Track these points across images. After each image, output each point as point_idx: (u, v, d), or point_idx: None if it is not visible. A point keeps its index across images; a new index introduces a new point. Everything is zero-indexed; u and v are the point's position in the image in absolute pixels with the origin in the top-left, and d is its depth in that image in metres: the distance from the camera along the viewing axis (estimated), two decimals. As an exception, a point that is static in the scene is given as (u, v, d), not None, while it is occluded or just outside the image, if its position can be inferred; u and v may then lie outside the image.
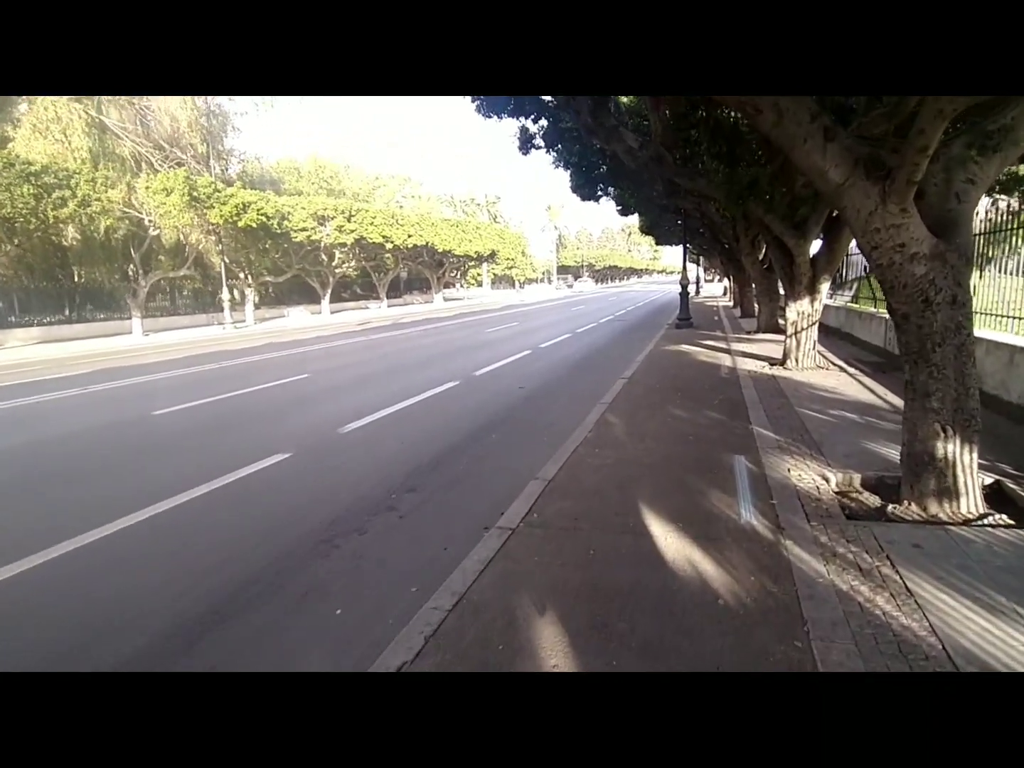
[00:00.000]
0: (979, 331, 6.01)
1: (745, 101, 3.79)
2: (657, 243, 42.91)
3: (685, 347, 12.22)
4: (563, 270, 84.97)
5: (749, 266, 14.84)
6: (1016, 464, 4.34)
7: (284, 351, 15.48)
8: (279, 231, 25.54)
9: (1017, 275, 6.53)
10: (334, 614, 3.02)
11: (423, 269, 43.53)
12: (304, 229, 27.03)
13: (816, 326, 8.73)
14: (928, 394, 3.68)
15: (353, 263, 33.95)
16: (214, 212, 21.55)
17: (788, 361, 8.90)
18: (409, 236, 33.91)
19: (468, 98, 9.25)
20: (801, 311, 8.66)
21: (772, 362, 9.38)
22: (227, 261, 26.32)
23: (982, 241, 6.82)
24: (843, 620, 2.53)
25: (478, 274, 65.90)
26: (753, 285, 18.00)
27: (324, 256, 31.29)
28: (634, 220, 31.70)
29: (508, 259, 59.76)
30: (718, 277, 54.55)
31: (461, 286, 59.82)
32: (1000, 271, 6.69)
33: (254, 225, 23.38)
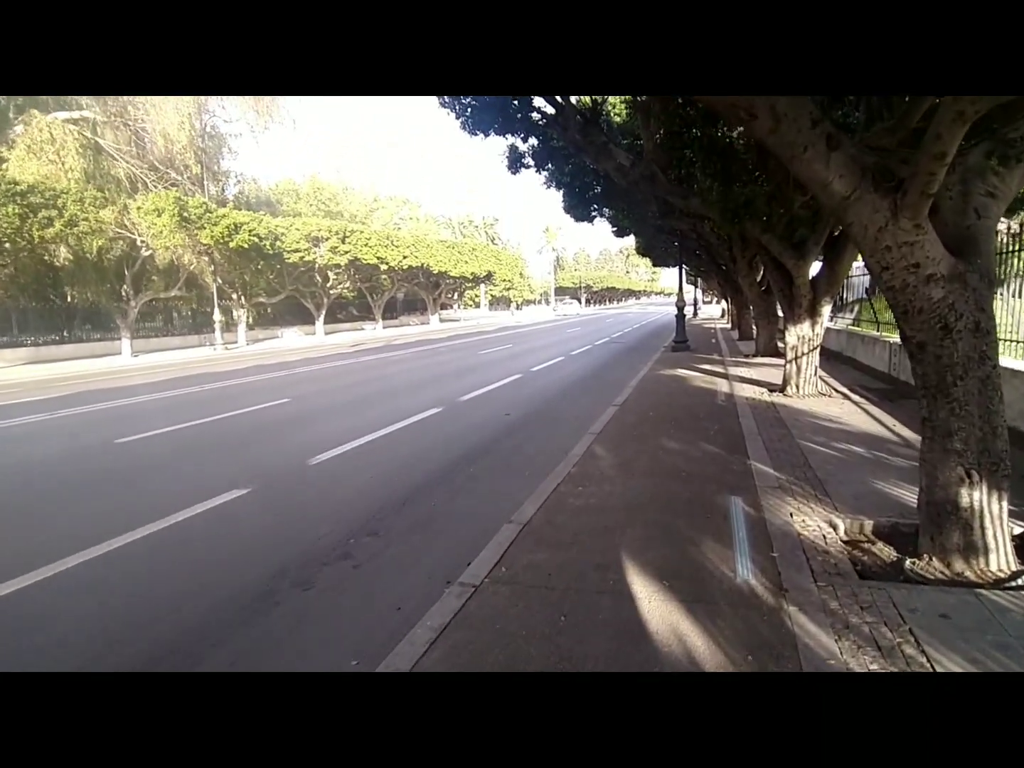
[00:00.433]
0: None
1: (738, 104, 3.40)
2: (654, 265, 42.84)
3: (681, 371, 11.80)
4: (561, 291, 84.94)
5: (747, 288, 14.51)
6: (1045, 509, 3.89)
7: (269, 374, 15.05)
8: (272, 252, 25.27)
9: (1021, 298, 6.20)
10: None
11: (419, 290, 43.33)
12: (297, 250, 26.78)
13: (817, 351, 8.32)
14: (949, 433, 3.24)
15: (348, 284, 33.69)
16: (205, 233, 21.27)
17: (788, 387, 8.47)
18: (404, 257, 33.73)
19: (453, 115, 8.91)
20: (801, 335, 8.26)
21: (771, 388, 8.95)
22: (220, 282, 26.02)
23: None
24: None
25: (475, 295, 65.86)
26: (751, 307, 17.67)
27: (319, 277, 31.03)
28: (632, 242, 31.56)
29: (505, 280, 59.71)
30: (716, 299, 54.41)
31: (458, 307, 59.59)
32: (1013, 295, 6.31)
33: (246, 246, 23.09)
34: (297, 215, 37.11)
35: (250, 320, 33.30)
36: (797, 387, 8.36)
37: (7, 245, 16.65)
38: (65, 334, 24.43)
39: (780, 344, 14.26)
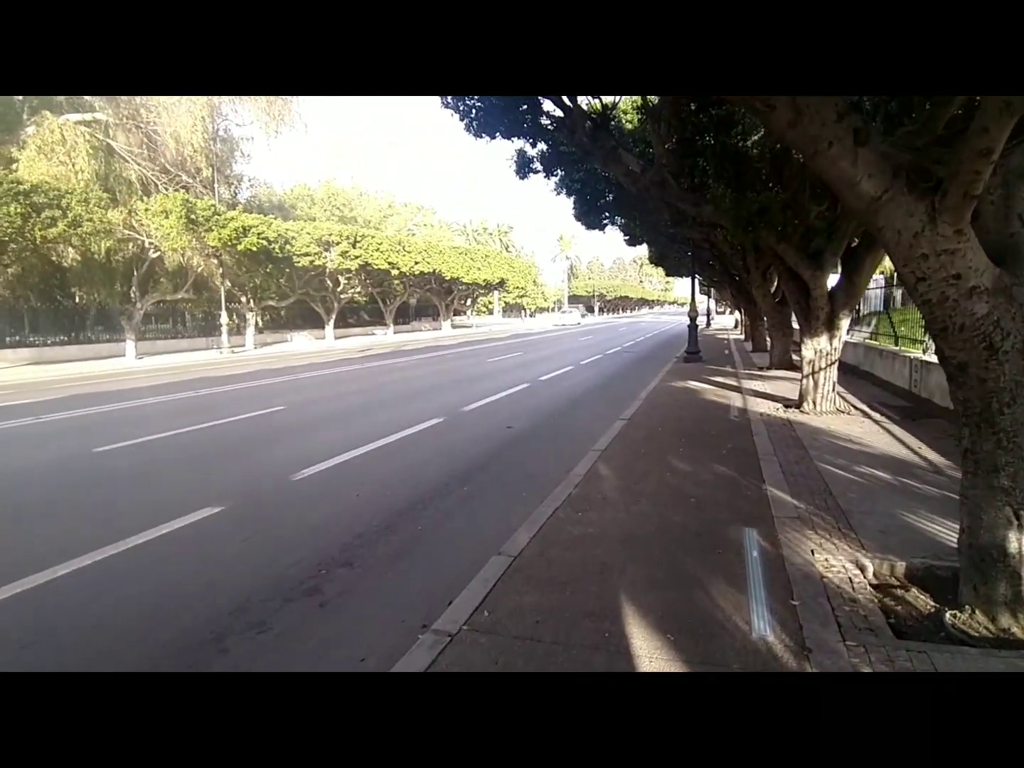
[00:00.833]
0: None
1: (754, 96, 3.04)
2: (667, 274, 42.40)
3: (692, 383, 11.38)
4: (574, 299, 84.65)
5: (760, 299, 14.06)
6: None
7: (271, 379, 14.80)
8: (281, 255, 25.15)
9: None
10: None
11: (431, 296, 43.16)
12: (307, 254, 26.66)
13: (836, 366, 7.88)
14: (995, 468, 2.84)
15: (359, 289, 33.57)
16: (212, 235, 21.15)
17: (804, 403, 8.04)
18: (416, 263, 33.54)
19: (457, 117, 8.61)
20: (819, 349, 7.83)
21: (787, 404, 8.52)
22: (228, 285, 25.95)
23: None
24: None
25: (489, 302, 65.67)
26: (765, 319, 17.21)
27: (329, 281, 30.92)
28: (645, 251, 31.17)
29: (518, 288, 59.51)
30: (729, 309, 53.76)
31: (471, 314, 59.37)
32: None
33: (254, 249, 22.97)
34: (311, 220, 37.15)
35: (260, 324, 33.29)
36: (814, 403, 7.93)
37: (13, 245, 16.64)
38: (71, 335, 24.43)
39: (795, 357, 13.82)
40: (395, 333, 38.93)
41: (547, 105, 8.73)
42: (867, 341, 12.39)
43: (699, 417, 7.93)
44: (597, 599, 3.09)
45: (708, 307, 45.26)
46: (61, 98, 25.58)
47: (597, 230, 15.57)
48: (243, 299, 28.19)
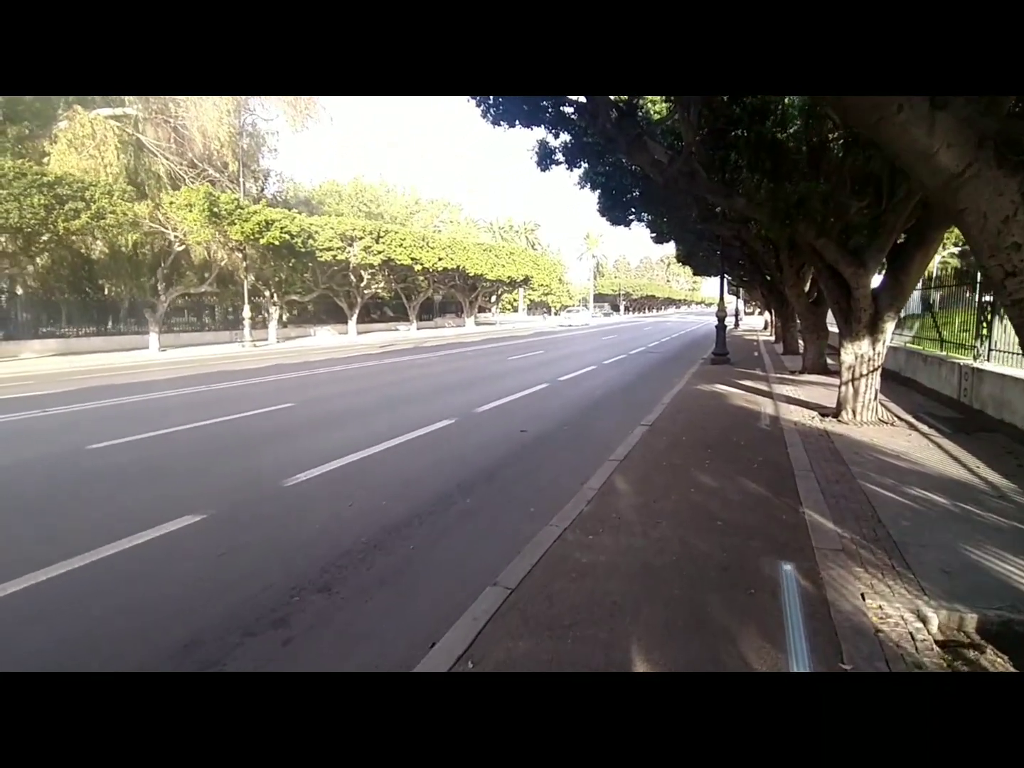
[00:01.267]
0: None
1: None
2: (695, 273, 41.42)
3: (720, 387, 10.77)
4: (600, 298, 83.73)
5: (794, 299, 13.36)
6: None
7: (287, 374, 14.54)
8: (304, 250, 25.00)
9: None
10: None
11: (455, 293, 42.87)
12: (330, 248, 26.49)
13: (878, 372, 7.23)
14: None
15: (382, 284, 33.38)
16: (235, 229, 21.04)
17: (843, 412, 7.40)
18: (440, 259, 33.23)
19: (473, 103, 8.16)
20: (860, 353, 7.19)
21: (823, 412, 7.88)
22: (251, 279, 25.92)
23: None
24: None
25: (514, 300, 65.18)
26: (798, 320, 16.44)
27: (352, 277, 30.78)
28: (672, 250, 30.32)
29: (543, 285, 58.94)
30: (758, 310, 52.44)
31: (496, 311, 58.88)
32: None
33: (277, 243, 22.84)
34: (339, 215, 37.07)
35: (284, 318, 33.35)
36: (853, 412, 7.30)
37: (43, 237, 16.68)
38: (99, 327, 24.63)
39: (830, 361, 13.09)
40: (418, 329, 38.70)
41: (570, 91, 8.23)
42: (908, 346, 11.61)
43: (727, 425, 7.35)
44: (604, 651, 2.59)
45: (736, 307, 44.16)
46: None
47: (622, 226, 14.97)
48: (267, 293, 28.19)
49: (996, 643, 2.68)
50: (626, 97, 8.16)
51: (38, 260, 22.47)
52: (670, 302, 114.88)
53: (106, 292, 25.35)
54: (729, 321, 23.17)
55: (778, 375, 12.46)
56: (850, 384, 7.29)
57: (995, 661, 2.57)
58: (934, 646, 2.61)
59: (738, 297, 44.02)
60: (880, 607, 2.92)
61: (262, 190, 35.71)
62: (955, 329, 9.67)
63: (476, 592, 3.21)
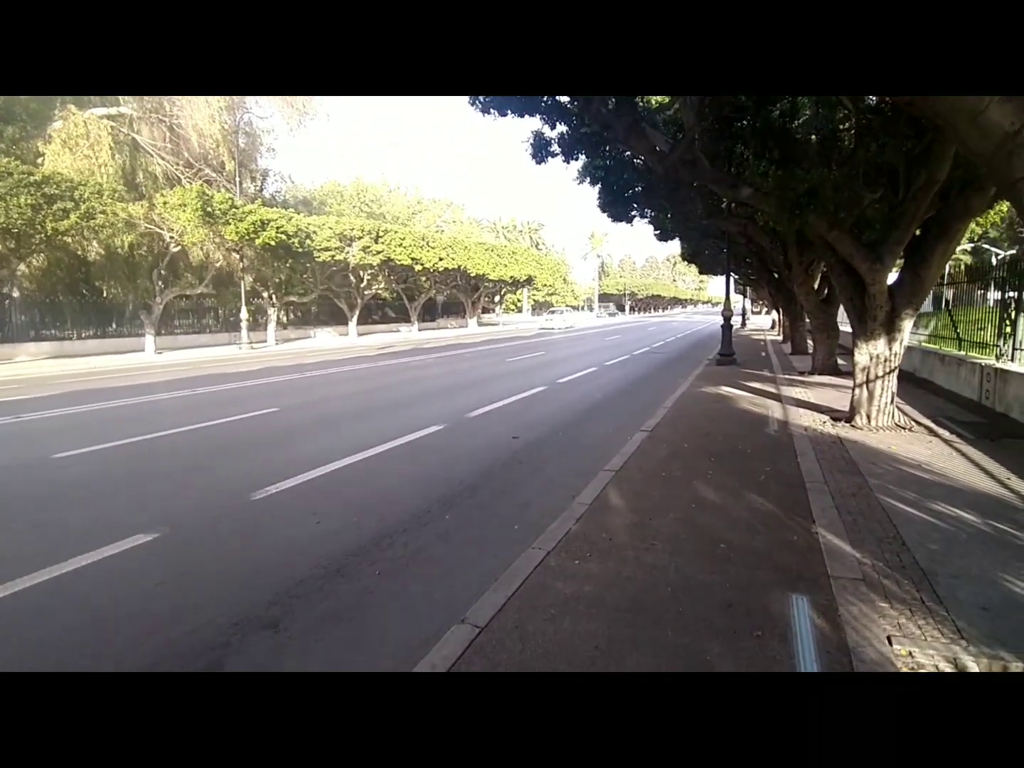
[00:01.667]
0: None
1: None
2: (701, 272, 40.87)
3: (725, 389, 10.29)
4: (604, 298, 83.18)
5: (803, 297, 12.88)
6: None
7: (277, 377, 14.15)
8: (300, 250, 24.63)
9: None
10: None
11: (458, 293, 42.46)
12: (328, 249, 26.11)
13: (895, 374, 6.75)
14: None
15: (382, 285, 33.00)
16: (229, 229, 20.68)
17: (857, 416, 6.93)
18: (440, 259, 32.80)
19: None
20: (875, 354, 6.72)
21: (835, 416, 7.41)
22: (249, 280, 25.59)
23: None
24: None
25: (518, 300, 64.72)
26: (807, 319, 15.95)
27: (352, 277, 30.41)
28: (678, 249, 29.78)
29: (547, 285, 58.54)
30: (766, 309, 51.81)
31: (499, 311, 58.44)
32: None
33: (272, 243, 22.47)
34: (341, 216, 36.71)
35: (285, 320, 33.04)
36: (868, 417, 6.82)
37: (32, 238, 16.36)
38: (96, 330, 24.34)
39: (841, 361, 12.59)
40: (420, 330, 38.30)
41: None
42: (924, 344, 11.12)
43: (732, 431, 6.89)
44: (579, 717, 2.15)
45: (743, 306, 43.59)
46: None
47: (624, 222, 14.48)
48: (265, 294, 27.85)
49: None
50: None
51: (33, 262, 22.24)
52: (676, 302, 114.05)
53: (104, 294, 25.10)
54: (736, 320, 22.67)
55: (786, 376, 11.97)
56: (864, 387, 6.81)
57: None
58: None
59: (745, 296, 43.43)
60: (910, 654, 2.46)
61: (260, 190, 35.42)
62: (969, 327, 9.23)
63: (441, 630, 2.78)
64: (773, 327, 35.80)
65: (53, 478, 5.67)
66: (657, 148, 7.43)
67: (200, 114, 25.72)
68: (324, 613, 3.13)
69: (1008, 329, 7.24)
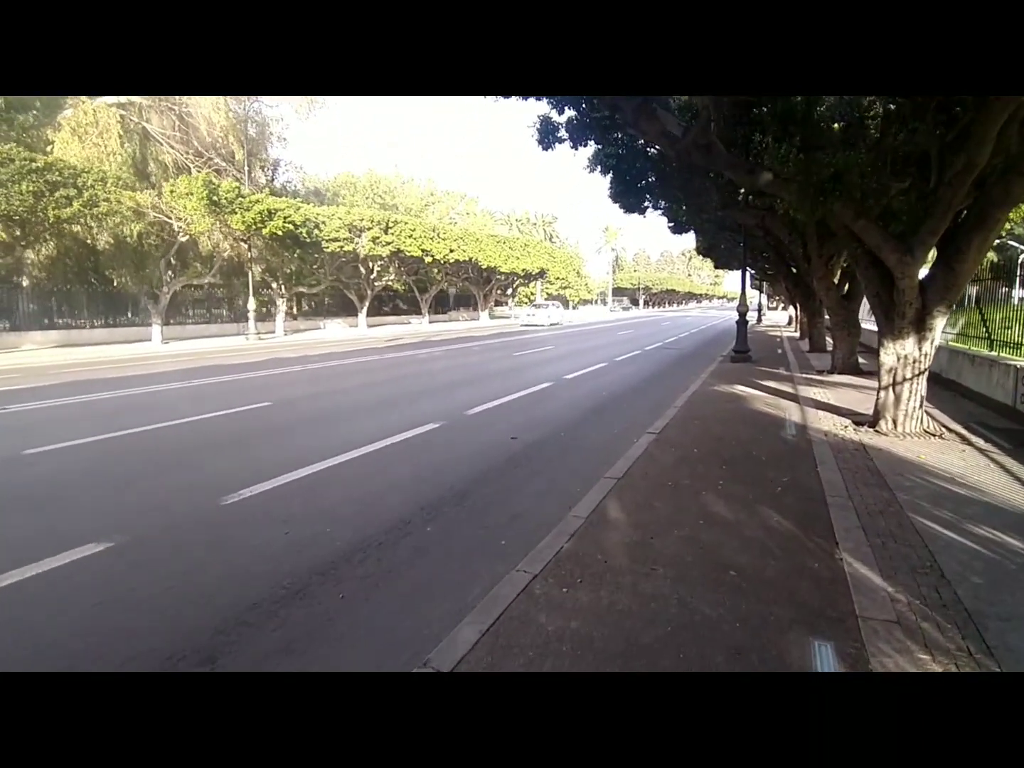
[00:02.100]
0: None
1: None
2: (716, 266, 40.04)
3: (739, 388, 9.79)
4: (619, 292, 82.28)
5: (822, 292, 12.29)
6: None
7: (279, 368, 13.83)
8: (308, 240, 24.31)
9: None
10: None
11: (470, 286, 42.03)
12: (336, 239, 25.77)
13: (925, 376, 6.24)
14: None
15: (392, 276, 32.64)
16: (235, 218, 20.38)
17: (882, 421, 6.42)
18: (451, 251, 32.36)
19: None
20: (903, 354, 6.20)
21: (857, 420, 6.90)
22: (257, 270, 25.34)
23: None
24: None
25: (531, 293, 64.19)
26: (826, 315, 15.34)
27: (362, 268, 30.07)
28: (693, 243, 29.09)
29: (560, 278, 57.90)
30: (782, 304, 50.82)
31: (512, 304, 57.85)
32: None
33: (279, 233, 22.15)
34: (354, 206, 36.37)
35: (295, 311, 32.81)
36: (895, 422, 6.31)
37: (40, 225, 16.16)
38: (106, 319, 24.22)
39: (862, 360, 12.02)
40: (431, 323, 37.94)
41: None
42: (951, 344, 10.51)
43: (746, 435, 6.42)
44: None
45: (759, 302, 42.72)
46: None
47: (636, 213, 13.91)
48: (274, 285, 27.61)
49: None
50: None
51: (42, 250, 22.14)
52: (691, 296, 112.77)
53: (115, 284, 24.96)
54: (751, 316, 22.03)
55: (804, 375, 11.42)
56: (891, 389, 6.30)
57: None
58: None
59: (761, 291, 42.58)
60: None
61: (272, 179, 35.14)
62: (997, 326, 8.72)
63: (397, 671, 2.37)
64: (790, 323, 35.02)
65: (16, 477, 5.34)
66: (669, 130, 6.94)
67: (207, 102, 25.44)
68: (272, 646, 2.74)
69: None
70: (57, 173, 15.59)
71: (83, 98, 23.86)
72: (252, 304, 24.04)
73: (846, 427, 6.68)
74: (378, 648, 2.71)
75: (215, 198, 19.47)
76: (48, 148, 22.81)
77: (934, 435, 6.17)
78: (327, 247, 25.69)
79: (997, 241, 29.92)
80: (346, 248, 26.48)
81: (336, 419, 7.98)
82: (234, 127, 26.79)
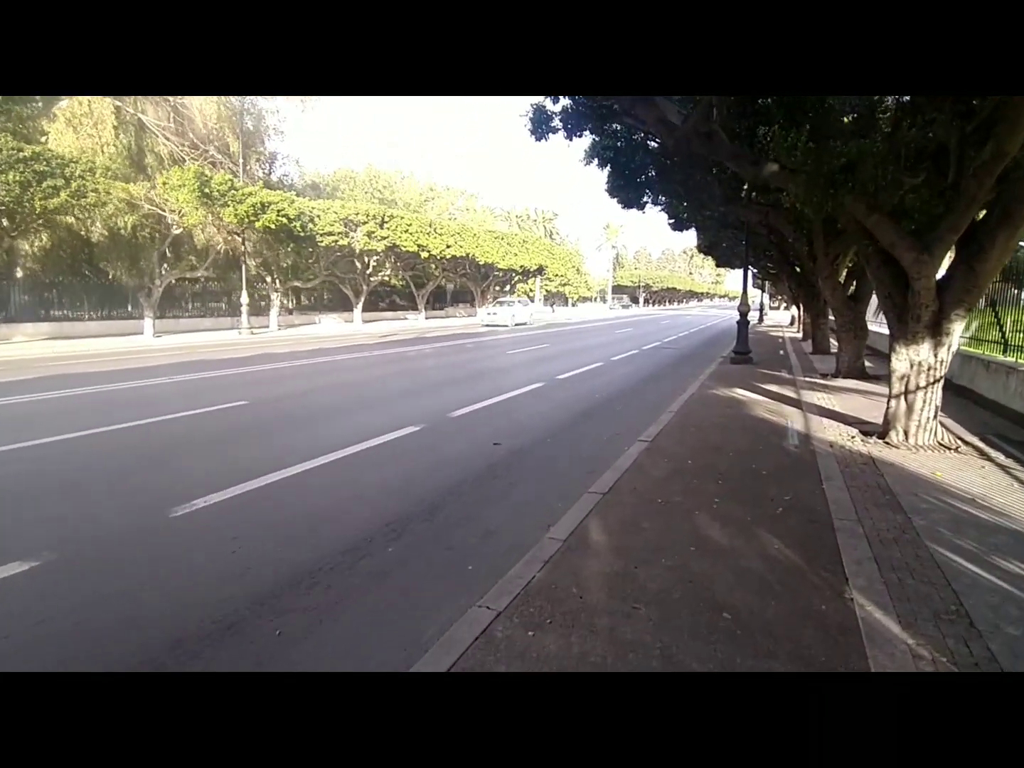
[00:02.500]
0: None
1: None
2: (718, 265, 39.53)
3: (739, 392, 9.36)
4: (619, 290, 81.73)
5: (828, 292, 11.85)
6: None
7: (263, 365, 13.41)
8: (303, 234, 23.85)
9: None
10: None
11: (467, 282, 41.56)
12: (331, 233, 25.31)
13: (940, 384, 5.80)
14: None
15: (388, 271, 32.18)
16: (228, 211, 19.92)
17: (892, 432, 5.98)
18: (448, 246, 31.88)
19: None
20: (917, 360, 5.77)
21: (865, 430, 6.47)
22: (251, 264, 24.89)
23: None
24: None
25: (530, 290, 63.65)
26: (831, 316, 14.90)
27: (358, 263, 29.61)
28: (694, 241, 28.57)
29: (559, 275, 57.33)
30: (784, 304, 50.32)
31: (489, 301, 57.23)
32: None
33: (273, 226, 21.69)
34: (352, 201, 35.86)
35: (290, 305, 32.38)
36: (906, 433, 5.88)
37: (29, 215, 15.70)
38: (98, 311, 23.77)
39: (869, 364, 11.59)
40: (427, 319, 37.47)
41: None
42: (963, 348, 10.07)
43: (745, 445, 5.98)
44: None
45: (761, 301, 42.25)
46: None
47: (635, 209, 13.44)
48: (268, 279, 27.16)
49: None
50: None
51: (35, 241, 21.71)
52: (692, 295, 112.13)
53: (110, 276, 24.51)
54: (753, 316, 21.58)
55: (807, 379, 10.98)
56: (902, 398, 5.87)
57: None
58: None
59: (763, 291, 42.10)
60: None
61: (268, 173, 34.66)
62: (1011, 330, 8.33)
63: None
64: (792, 323, 34.55)
65: (-47, 482, 4.93)
66: (667, 118, 6.50)
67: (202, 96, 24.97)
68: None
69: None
70: (44, 163, 15.12)
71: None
72: (245, 298, 23.59)
73: (853, 437, 6.25)
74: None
75: (207, 190, 19.01)
76: (43, 139, 22.34)
77: (949, 448, 5.74)
78: (322, 241, 25.24)
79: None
80: (341, 242, 26.03)
81: (311, 420, 7.56)
82: (229, 119, 26.29)
